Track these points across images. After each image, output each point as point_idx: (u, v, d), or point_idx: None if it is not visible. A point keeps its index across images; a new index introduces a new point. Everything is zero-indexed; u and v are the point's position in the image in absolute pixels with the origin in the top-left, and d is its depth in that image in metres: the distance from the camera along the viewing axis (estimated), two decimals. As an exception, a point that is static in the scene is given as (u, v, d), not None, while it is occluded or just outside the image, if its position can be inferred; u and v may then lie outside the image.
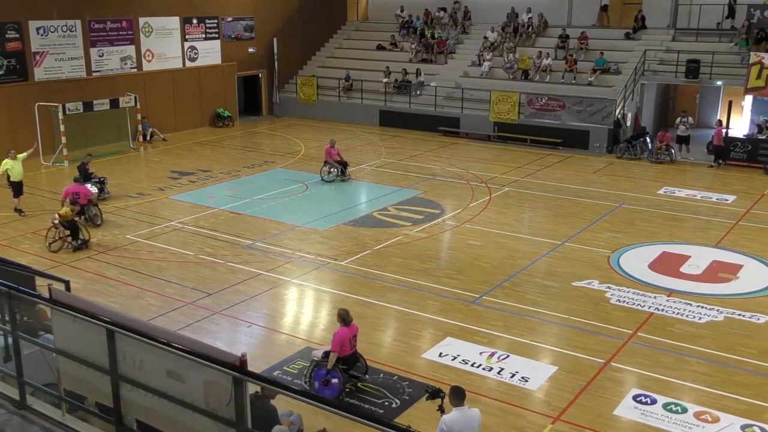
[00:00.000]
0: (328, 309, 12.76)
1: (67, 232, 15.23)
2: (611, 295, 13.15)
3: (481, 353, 10.97)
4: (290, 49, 32.74)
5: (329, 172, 20.97)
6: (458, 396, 7.42)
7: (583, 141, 25.53)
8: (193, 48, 29.30)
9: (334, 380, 9.77)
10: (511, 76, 28.66)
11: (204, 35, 29.73)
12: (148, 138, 26.56)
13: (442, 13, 33.28)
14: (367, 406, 9.60)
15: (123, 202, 18.83)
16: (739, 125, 27.20)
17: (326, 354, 9.80)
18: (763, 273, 14.27)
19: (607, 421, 9.34)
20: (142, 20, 27.29)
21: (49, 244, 15.27)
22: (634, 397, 9.82)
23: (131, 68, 27.12)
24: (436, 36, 32.07)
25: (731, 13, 26.68)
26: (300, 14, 33.34)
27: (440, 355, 10.97)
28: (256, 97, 32.84)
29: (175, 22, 28.52)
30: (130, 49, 27.01)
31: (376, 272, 14.28)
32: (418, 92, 29.77)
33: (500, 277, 14.02)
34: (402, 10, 34.02)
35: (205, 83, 29.66)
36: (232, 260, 14.89)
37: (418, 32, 32.59)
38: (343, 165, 21.18)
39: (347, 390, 9.92)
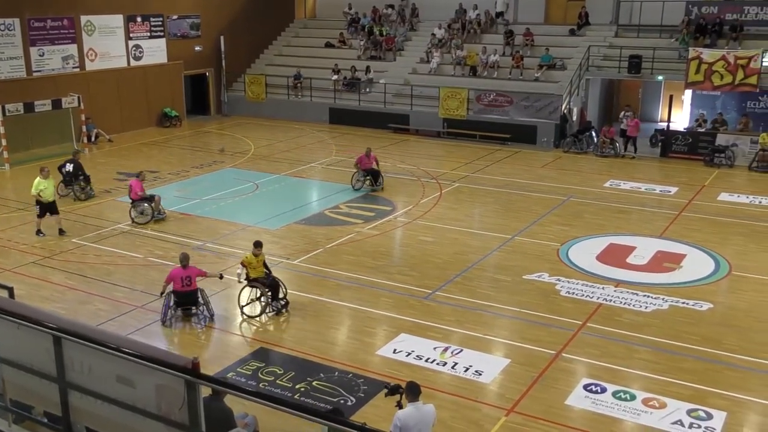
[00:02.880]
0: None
1: (268, 291, 12.27)
2: (561, 287, 13.38)
3: (435, 348, 11.05)
4: (238, 47, 32.38)
5: (358, 180, 19.78)
6: (413, 392, 7.47)
7: (531, 136, 25.89)
8: (137, 47, 28.76)
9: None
10: (462, 72, 28.87)
11: (149, 34, 29.20)
12: (93, 139, 25.98)
13: (390, 10, 33.33)
14: (322, 405, 9.57)
15: (68, 205, 18.39)
16: (680, 119, 27.95)
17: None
18: (705, 262, 14.70)
19: (559, 411, 9.51)
20: (84, 18, 26.66)
21: (251, 315, 12.21)
22: (585, 387, 10.01)
23: (74, 68, 26.50)
24: (384, 33, 32.12)
25: (689, 13, 27.17)
26: (247, 12, 33.01)
27: (394, 351, 11.01)
28: (204, 96, 32.39)
29: (118, 20, 27.95)
30: (72, 48, 26.38)
31: (328, 270, 14.26)
32: (368, 89, 29.78)
33: (452, 272, 14.13)
34: (350, 8, 33.98)
35: (151, 82, 29.14)
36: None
37: (366, 29, 32.59)
38: (375, 174, 19.87)
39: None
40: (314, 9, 36.74)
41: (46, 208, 16.08)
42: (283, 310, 12.27)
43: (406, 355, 10.87)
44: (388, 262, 14.91)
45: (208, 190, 19.92)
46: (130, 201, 17.12)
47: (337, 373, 10.37)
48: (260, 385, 10.05)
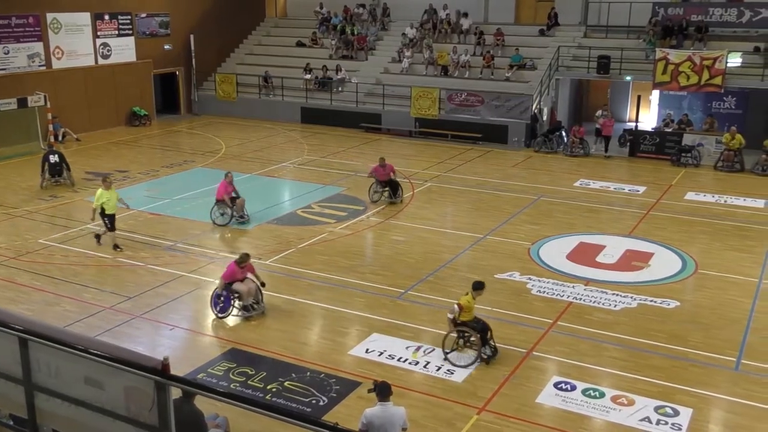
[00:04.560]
0: (253, 309, 12.62)
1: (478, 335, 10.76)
2: (532, 286, 13.49)
3: (407, 348, 11.08)
4: (208, 46, 32.12)
5: (375, 192, 18.57)
6: (382, 392, 7.52)
7: (502, 135, 26.06)
8: (105, 45, 28.39)
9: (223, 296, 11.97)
10: (434, 72, 28.97)
11: (117, 32, 28.84)
12: (60, 138, 25.59)
13: (361, 9, 33.33)
14: (294, 405, 9.55)
15: (34, 204, 18.11)
16: (648, 119, 28.33)
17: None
18: (672, 260, 14.92)
19: (530, 409, 9.59)
20: (50, 16, 26.25)
21: (456, 363, 10.69)
22: (555, 385, 10.10)
23: (40, 66, 26.07)
24: (356, 32, 32.10)
25: (655, 13, 27.57)
26: (217, 11, 32.75)
27: (367, 351, 11.01)
28: (174, 95, 32.08)
29: (85, 18, 27.57)
30: (38, 46, 25.96)
31: (301, 270, 14.22)
32: (340, 89, 29.75)
33: (425, 271, 14.18)
34: (321, 7, 33.90)
35: (119, 81, 28.78)
36: (152, 262, 14.53)
37: (338, 29, 32.54)
38: (393, 186, 18.62)
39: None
40: (285, 8, 36.59)
41: (112, 219, 15.25)
42: (493, 358, 10.73)
43: (379, 355, 10.88)
44: (361, 261, 14.91)
45: (179, 189, 19.74)
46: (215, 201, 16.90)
47: (309, 373, 10.34)
48: (231, 385, 9.99)
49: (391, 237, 16.30)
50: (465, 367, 10.49)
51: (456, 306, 10.70)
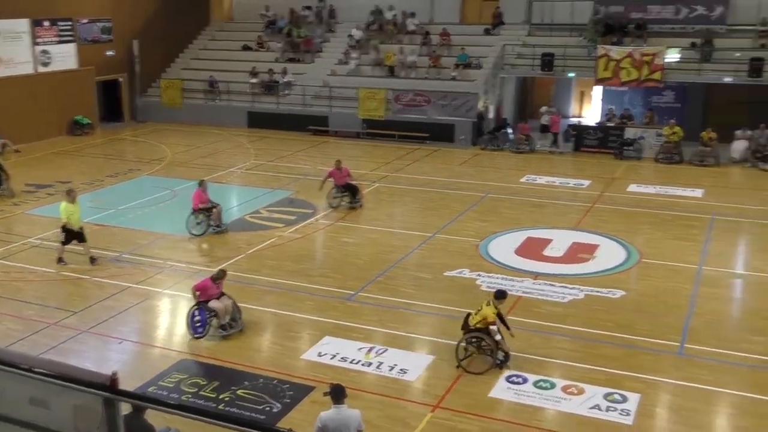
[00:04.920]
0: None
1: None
2: (482, 282, 13.64)
3: (359, 349, 11.09)
4: (152, 51, 31.59)
5: (334, 197, 18.23)
6: (336, 395, 7.53)
7: (449, 134, 26.29)
8: (45, 52, 27.70)
9: (198, 317, 11.42)
10: (381, 73, 29.05)
11: (57, 38, 28.18)
12: (-1, 150, 24.86)
13: (307, 11, 33.23)
14: (248, 413, 9.48)
15: (-26, 220, 17.60)
16: (591, 114, 28.91)
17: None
18: (617, 251, 15.25)
19: (483, 404, 9.70)
20: (-15, 24, 25.55)
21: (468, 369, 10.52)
22: (507, 378, 10.24)
23: (-25, 76, 25.34)
24: (302, 35, 31.99)
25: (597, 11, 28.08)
26: (161, 15, 32.24)
27: (319, 354, 11.00)
28: (117, 102, 31.44)
29: (23, 24, 26.82)
30: (-27, 56, 25.25)
31: (250, 276, 14.12)
32: (286, 92, 29.61)
33: (374, 272, 14.22)
34: (267, 10, 33.68)
35: (60, 89, 28.06)
36: (98, 275, 14.25)
37: (284, 32, 32.39)
38: (353, 190, 18.36)
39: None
40: (230, 11, 36.23)
41: (74, 235, 14.63)
42: (506, 363, 10.50)
43: (331, 358, 10.87)
44: (311, 265, 14.88)
45: (124, 199, 19.39)
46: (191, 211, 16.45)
47: (261, 380, 10.28)
48: (183, 397, 9.85)
49: (340, 239, 16.31)
50: (481, 373, 10.35)
51: (494, 327, 10.35)
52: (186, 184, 20.68)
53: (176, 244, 16.05)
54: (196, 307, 11.53)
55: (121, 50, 30.69)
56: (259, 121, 29.32)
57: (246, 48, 32.74)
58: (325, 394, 7.80)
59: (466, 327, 10.65)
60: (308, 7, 33.32)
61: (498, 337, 10.38)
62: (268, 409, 9.60)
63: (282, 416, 9.42)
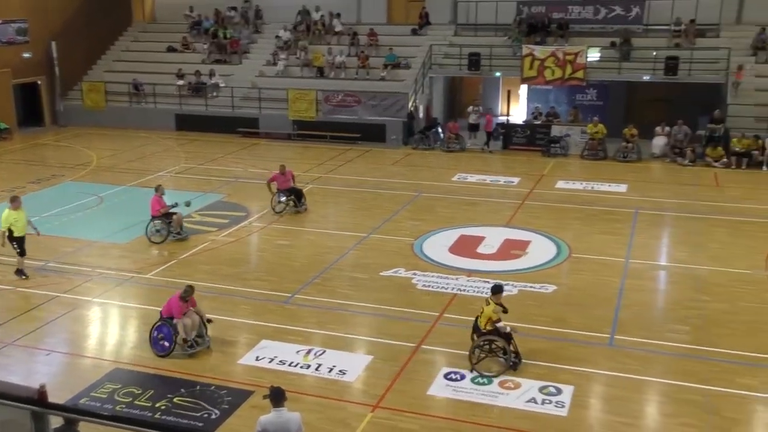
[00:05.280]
0: (136, 325, 12.20)
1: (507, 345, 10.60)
2: (417, 281, 13.75)
3: (297, 352, 11.03)
4: (72, 53, 30.57)
5: (279, 202, 17.84)
6: (276, 398, 7.49)
7: (381, 134, 26.39)
8: (-44, 55, 26.53)
9: (164, 332, 10.92)
10: (311, 74, 28.92)
11: (-31, 41, 27.01)
12: None
13: (233, 12, 32.79)
14: (185, 421, 9.31)
15: None
16: (519, 112, 29.48)
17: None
18: (548, 247, 15.62)
19: (422, 402, 9.78)
20: None
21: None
22: (445, 376, 10.35)
23: None
24: (228, 36, 31.55)
25: (520, 11, 28.61)
26: (79, 16, 31.27)
27: (257, 358, 10.88)
28: (37, 106, 30.36)
29: (-68, 27, 25.65)
30: None
31: (184, 282, 13.73)
32: (214, 94, 29.15)
33: (311, 274, 14.16)
34: (191, 10, 33.08)
35: (-26, 94, 26.95)
36: (23, 285, 13.72)
37: (209, 32, 31.87)
38: (297, 194, 18.10)
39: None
40: (153, 12, 35.43)
41: (22, 242, 13.93)
42: (519, 364, 10.49)
43: (269, 362, 10.77)
44: (246, 268, 14.71)
45: (48, 206, 18.70)
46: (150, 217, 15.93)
47: (198, 387, 10.11)
48: (117, 407, 9.61)
49: (275, 242, 16.17)
50: (497, 376, 10.29)
51: (500, 325, 10.37)
52: (113, 189, 20.18)
53: (104, 251, 15.60)
54: (159, 323, 11.02)
55: (38, 52, 29.63)
56: (187, 123, 28.78)
57: (171, 49, 32.09)
58: (265, 397, 7.74)
59: (477, 331, 10.64)
60: (234, 8, 32.89)
61: (508, 329, 10.42)
62: (206, 416, 9.45)
63: (221, 422, 9.29)
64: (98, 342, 11.78)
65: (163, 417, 9.39)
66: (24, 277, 13.96)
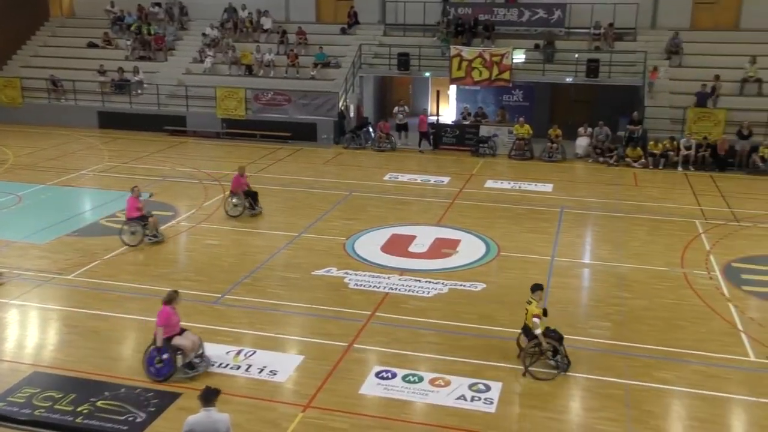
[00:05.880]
0: (57, 327, 11.80)
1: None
2: (349, 280, 13.74)
3: (227, 353, 10.87)
4: (-16, 47, 29.35)
5: (235, 206, 17.37)
6: (206, 398, 7.39)
7: (311, 133, 26.28)
8: None
9: (165, 356, 10.01)
10: (239, 71, 28.54)
11: None
12: None
13: (157, 8, 32.07)
14: (109, 425, 9.05)
15: None
16: (448, 113, 29.86)
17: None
18: (478, 245, 15.85)
19: (354, 401, 9.77)
20: None
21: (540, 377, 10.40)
22: (377, 374, 10.38)
23: None
24: (152, 32, 30.82)
25: (445, 9, 28.92)
26: (-7, 9, 30.00)
27: (185, 360, 10.67)
28: (-52, 102, 29.00)
29: None
30: None
31: (109, 282, 13.46)
32: (139, 91, 28.44)
33: (241, 274, 13.98)
34: (112, 5, 32.20)
35: None
36: (-67, 288, 13.08)
37: (132, 28, 31.06)
38: (253, 196, 17.65)
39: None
40: (71, 6, 34.32)
41: None
42: (569, 366, 10.50)
43: (198, 363, 10.56)
44: (174, 268, 14.40)
45: (-39, 205, 17.91)
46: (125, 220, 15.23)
47: (123, 389, 9.84)
48: (35, 412, 9.26)
49: (203, 241, 15.89)
50: (548, 380, 10.27)
51: (535, 320, 10.35)
52: (32, 188, 19.45)
53: (23, 251, 15.01)
54: (153, 345, 10.15)
55: (-50, 45, 28.30)
56: (111, 121, 28.00)
57: (92, 45, 31.15)
58: (198, 397, 7.60)
59: (528, 334, 10.57)
60: (158, 4, 32.20)
61: (538, 331, 10.34)
62: (131, 419, 9.21)
63: (146, 425, 9.08)
64: (16, 345, 11.31)
65: (85, 421, 9.10)
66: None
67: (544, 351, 10.50)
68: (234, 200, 17.41)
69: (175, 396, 9.67)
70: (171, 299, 10.28)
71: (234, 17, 30.69)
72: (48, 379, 10.16)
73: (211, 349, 10.91)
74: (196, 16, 31.84)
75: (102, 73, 28.77)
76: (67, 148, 24.80)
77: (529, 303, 10.64)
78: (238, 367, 10.48)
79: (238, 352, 10.89)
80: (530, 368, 10.41)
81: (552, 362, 10.54)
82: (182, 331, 10.37)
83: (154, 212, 15.95)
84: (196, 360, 10.34)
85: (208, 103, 27.15)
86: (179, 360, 10.15)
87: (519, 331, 11.75)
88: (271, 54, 28.57)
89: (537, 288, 10.73)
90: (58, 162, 22.76)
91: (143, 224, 15.41)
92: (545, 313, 10.66)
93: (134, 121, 27.57)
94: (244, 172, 17.76)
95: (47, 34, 32.61)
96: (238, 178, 17.57)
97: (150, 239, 15.48)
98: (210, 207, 18.16)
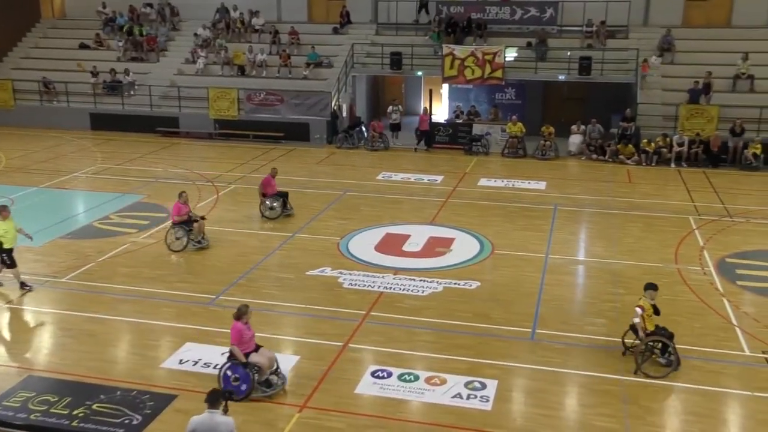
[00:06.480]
0: (51, 331, 11.77)
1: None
2: (343, 279, 13.74)
3: (222, 354, 10.79)
4: (-25, 49, 29.20)
5: (271, 208, 17.30)
6: (211, 400, 7.37)
7: (304, 133, 26.26)
8: None
9: (239, 373, 9.66)
10: (232, 72, 28.50)
11: None
12: None
13: (148, 9, 31.99)
14: (105, 428, 9.03)
15: None
16: (441, 111, 29.87)
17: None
18: (471, 244, 15.86)
19: (350, 401, 9.77)
20: None
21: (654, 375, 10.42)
22: (372, 374, 10.38)
23: None
24: (144, 33, 30.74)
25: (423, 7, 29.08)
26: (-18, 11, 29.87)
27: (181, 362, 10.66)
28: (-61, 104, 28.87)
29: None
30: None
31: (103, 285, 13.42)
32: (131, 92, 28.36)
33: (235, 275, 13.96)
34: (104, 6, 32.10)
35: None
36: (-73, 292, 13.03)
37: (124, 29, 30.97)
38: (284, 197, 17.55)
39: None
40: (63, 8, 34.20)
41: (10, 253, 13.04)
42: (679, 365, 10.44)
43: (194, 364, 10.56)
44: (168, 270, 14.37)
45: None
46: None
47: (119, 392, 9.82)
48: (31, 416, 9.24)
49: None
50: (661, 378, 10.26)
51: (637, 308, 10.42)
52: (25, 190, 19.39)
53: (17, 255, 14.85)
54: (230, 362, 9.78)
55: (-60, 48, 28.16)
56: (103, 123, 27.92)
57: (83, 46, 31.05)
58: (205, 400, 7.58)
59: (636, 333, 10.59)
60: (149, 5, 32.12)
61: (636, 320, 10.38)
62: (127, 421, 9.20)
63: (143, 428, 9.07)
64: (10, 349, 11.27)
65: (81, 424, 9.09)
66: (28, 288, 13.17)
67: (642, 342, 10.44)
68: (273, 203, 17.27)
69: (170, 398, 9.66)
70: (241, 314, 9.77)
71: (226, 17, 30.63)
72: (43, 382, 10.13)
73: (206, 351, 10.91)
74: (187, 17, 31.77)
75: (94, 74, 28.67)
76: (60, 150, 24.72)
77: (640, 299, 10.66)
78: (234, 368, 10.46)
79: (234, 353, 10.86)
80: (641, 367, 10.38)
81: (662, 360, 10.53)
82: (257, 347, 9.93)
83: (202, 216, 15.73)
84: (273, 377, 9.92)
85: (200, 104, 27.09)
86: (256, 377, 9.70)
87: (513, 327, 11.78)
88: (264, 54, 28.53)
89: (650, 287, 10.72)
90: (51, 164, 22.69)
91: (188, 229, 15.18)
92: (657, 311, 10.61)
93: (126, 123, 27.49)
94: (276, 174, 17.64)
95: (38, 36, 32.49)
96: (270, 180, 17.44)
97: (195, 245, 15.21)
98: (204, 208, 18.11)
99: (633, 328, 10.71)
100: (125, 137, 26.59)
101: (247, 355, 9.71)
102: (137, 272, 14.07)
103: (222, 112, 26.86)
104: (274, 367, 9.96)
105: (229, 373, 9.73)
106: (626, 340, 10.92)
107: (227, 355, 9.86)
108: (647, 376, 10.35)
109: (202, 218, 15.63)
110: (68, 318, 12.04)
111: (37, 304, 12.73)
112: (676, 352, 10.48)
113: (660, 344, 10.53)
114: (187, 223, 15.28)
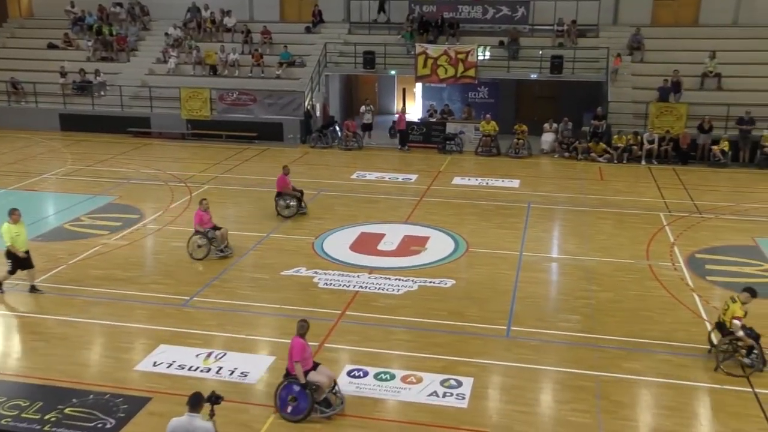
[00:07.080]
0: (22, 335, 11.60)
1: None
2: (319, 279, 13.71)
3: (197, 355, 10.77)
4: (-59, 49, 28.67)
5: (287, 206, 17.29)
6: (192, 403, 7.28)
7: (278, 133, 26.16)
8: None
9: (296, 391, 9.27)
10: (203, 72, 28.29)
11: None
12: None
13: (118, 8, 31.64)
14: (79, 432, 8.93)
15: None
16: (414, 110, 29.92)
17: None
18: (446, 242, 15.92)
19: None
20: None
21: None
22: (349, 373, 10.37)
23: None
24: (114, 33, 30.40)
25: (381, 9, 29.09)
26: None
27: (155, 364, 10.56)
28: None
29: None
30: None
31: (74, 288, 13.26)
32: (102, 93, 28.03)
33: (209, 275, 13.86)
34: (72, 6, 31.68)
35: None
36: None
37: (93, 29, 30.59)
38: (300, 195, 17.54)
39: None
40: (30, 7, 33.70)
41: (20, 261, 12.84)
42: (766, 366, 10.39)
43: (168, 367, 10.47)
44: (141, 272, 14.23)
45: None
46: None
47: (92, 396, 9.70)
48: (2, 421, 9.10)
49: (171, 244, 15.70)
50: (742, 377, 10.23)
51: (736, 321, 10.31)
52: (-8, 193, 19.03)
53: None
54: (286, 382, 9.38)
55: None
56: (73, 123, 27.56)
57: (52, 46, 30.62)
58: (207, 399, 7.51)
59: (723, 331, 10.57)
60: (119, 4, 31.78)
61: (740, 333, 10.31)
62: (100, 425, 9.09)
63: (117, 431, 8.97)
64: (-19, 355, 11.10)
65: (53, 429, 8.97)
66: (39, 292, 13.01)
67: (739, 349, 10.46)
68: (289, 201, 17.27)
69: (145, 401, 9.57)
70: (304, 330, 9.36)
71: (197, 17, 30.40)
72: (14, 387, 9.98)
73: (180, 353, 10.83)
74: (158, 16, 31.47)
75: (63, 74, 28.29)
76: (29, 151, 24.36)
77: (734, 301, 10.57)
78: (209, 370, 10.39)
79: (209, 355, 10.80)
80: (721, 364, 10.40)
81: (747, 360, 10.49)
82: (316, 365, 9.56)
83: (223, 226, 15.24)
84: (331, 396, 9.50)
85: (172, 104, 26.86)
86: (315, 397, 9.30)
87: (487, 325, 11.83)
88: (236, 54, 28.37)
89: (748, 290, 10.65)
90: (20, 166, 22.34)
91: (210, 237, 14.84)
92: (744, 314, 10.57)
93: (97, 123, 27.16)
94: (288, 172, 17.52)
95: (6, 36, 31.99)
96: (284, 178, 17.34)
97: (217, 253, 14.83)
98: (177, 209, 17.98)
99: (719, 325, 10.72)
100: (96, 138, 26.28)
101: (306, 372, 9.33)
102: (109, 274, 13.91)
103: (194, 112, 26.66)
104: (334, 387, 9.59)
105: (284, 393, 9.34)
106: (714, 338, 10.90)
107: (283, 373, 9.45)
108: (727, 374, 10.34)
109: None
110: (39, 321, 11.87)
111: (5, 308, 12.53)
112: (762, 353, 10.47)
113: (739, 342, 10.51)
114: (211, 231, 14.79)
